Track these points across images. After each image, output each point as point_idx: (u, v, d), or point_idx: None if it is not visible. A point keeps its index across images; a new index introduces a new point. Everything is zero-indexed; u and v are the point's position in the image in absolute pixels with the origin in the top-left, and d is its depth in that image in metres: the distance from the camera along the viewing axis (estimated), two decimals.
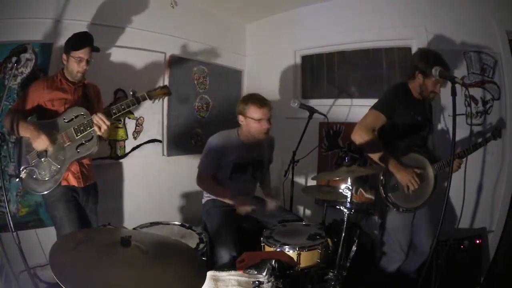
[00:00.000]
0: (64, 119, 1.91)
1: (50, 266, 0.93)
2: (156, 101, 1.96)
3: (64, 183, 1.96)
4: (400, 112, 2.06)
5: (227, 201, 2.27)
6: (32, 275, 1.88)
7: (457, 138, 2.47)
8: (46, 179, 1.88)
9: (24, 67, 2.26)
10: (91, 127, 1.87)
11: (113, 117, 1.91)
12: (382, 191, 2.02)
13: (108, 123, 1.86)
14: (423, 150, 2.15)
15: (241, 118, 2.31)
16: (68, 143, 1.88)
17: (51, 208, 1.98)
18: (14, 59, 2.17)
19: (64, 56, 2.01)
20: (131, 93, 1.93)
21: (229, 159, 2.32)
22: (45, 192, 1.89)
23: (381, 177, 2.03)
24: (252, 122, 2.26)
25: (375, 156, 2.03)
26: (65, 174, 1.94)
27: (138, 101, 1.92)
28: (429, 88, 2.05)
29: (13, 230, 1.69)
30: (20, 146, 1.90)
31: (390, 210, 2.07)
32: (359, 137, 2.02)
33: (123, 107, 1.90)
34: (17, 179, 1.88)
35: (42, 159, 1.86)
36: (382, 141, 2.03)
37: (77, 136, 1.88)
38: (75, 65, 1.98)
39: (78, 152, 1.89)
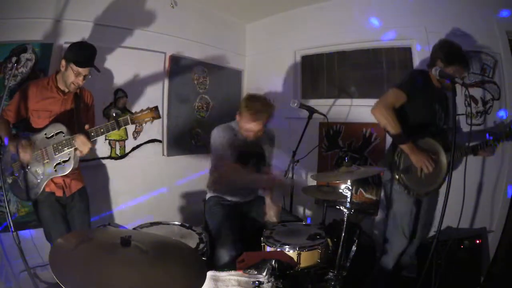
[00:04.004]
0: (45, 134, 1.88)
1: (50, 266, 0.93)
2: (143, 125, 1.87)
3: (47, 189, 1.93)
4: (418, 96, 2.07)
5: (267, 183, 2.24)
6: (32, 275, 1.88)
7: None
8: (28, 189, 1.88)
9: (24, 67, 2.25)
10: (68, 147, 1.84)
11: (91, 139, 1.87)
12: (395, 172, 2.03)
13: (90, 145, 1.84)
14: (438, 137, 2.14)
15: (238, 117, 2.32)
16: (47, 161, 1.87)
17: (37, 210, 2.00)
18: (14, 59, 2.17)
19: (63, 63, 1.91)
20: (113, 114, 1.85)
21: (233, 149, 2.31)
22: (26, 200, 1.91)
23: (396, 158, 2.04)
24: (242, 126, 2.27)
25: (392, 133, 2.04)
26: (48, 181, 1.91)
27: (119, 126, 1.83)
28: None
29: (13, 230, 1.69)
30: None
31: (399, 195, 2.09)
32: (379, 112, 2.04)
33: (102, 130, 1.86)
34: (5, 183, 1.88)
35: (25, 171, 1.86)
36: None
37: (55, 155, 1.86)
38: (72, 76, 1.91)
39: (55, 171, 1.89)
